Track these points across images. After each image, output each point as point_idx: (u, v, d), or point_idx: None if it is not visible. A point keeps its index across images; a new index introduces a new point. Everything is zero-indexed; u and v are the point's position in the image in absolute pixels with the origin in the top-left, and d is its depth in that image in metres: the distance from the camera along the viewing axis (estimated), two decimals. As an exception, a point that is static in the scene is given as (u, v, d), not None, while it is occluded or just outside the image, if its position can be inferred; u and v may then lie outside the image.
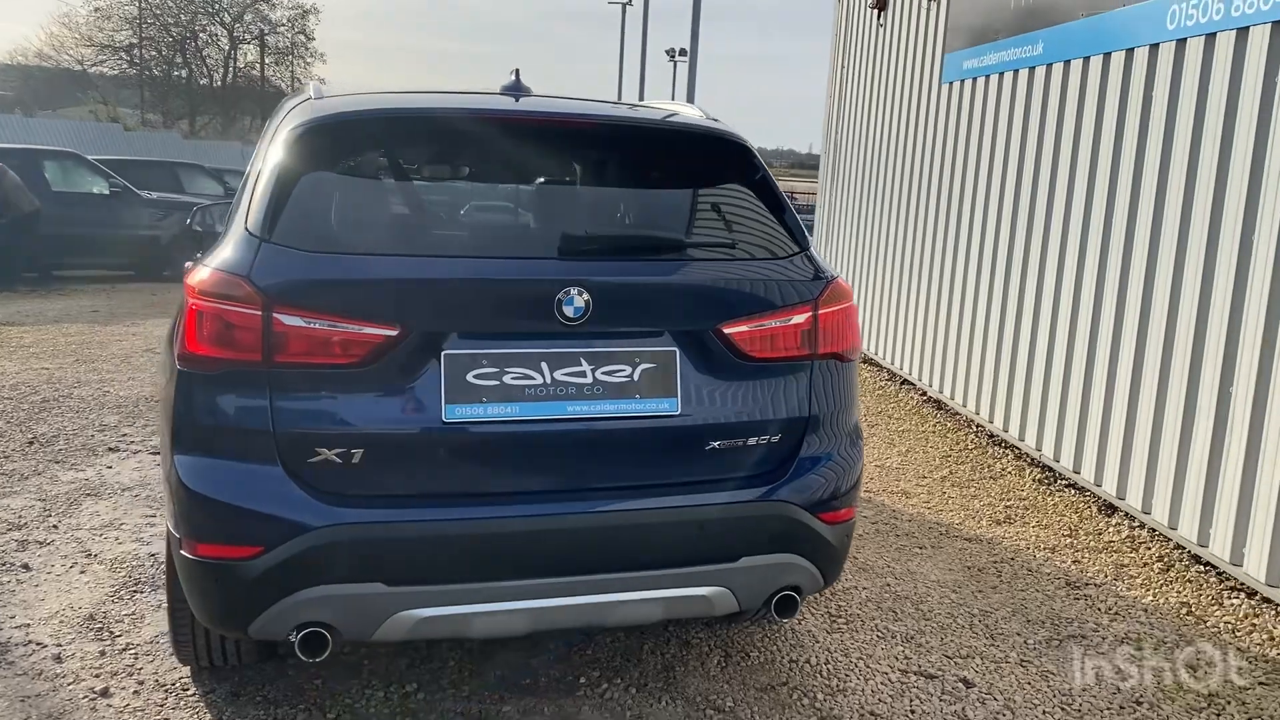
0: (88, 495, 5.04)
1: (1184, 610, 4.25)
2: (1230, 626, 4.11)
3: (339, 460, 2.67)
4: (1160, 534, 4.97)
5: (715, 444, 2.92)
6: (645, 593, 2.82)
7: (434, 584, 2.68)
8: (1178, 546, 4.83)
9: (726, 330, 2.89)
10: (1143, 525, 5.11)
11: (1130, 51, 5.42)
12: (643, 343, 2.83)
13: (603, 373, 2.79)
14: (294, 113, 3.03)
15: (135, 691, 3.27)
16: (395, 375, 2.68)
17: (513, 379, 2.73)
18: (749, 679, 3.47)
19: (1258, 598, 4.31)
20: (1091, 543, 5.02)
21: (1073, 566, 4.71)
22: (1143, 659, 3.79)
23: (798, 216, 3.12)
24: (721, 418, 2.90)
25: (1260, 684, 3.64)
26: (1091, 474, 5.54)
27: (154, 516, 4.78)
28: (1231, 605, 4.29)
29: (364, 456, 2.68)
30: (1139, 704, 3.45)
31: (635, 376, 2.81)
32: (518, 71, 3.35)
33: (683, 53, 54.35)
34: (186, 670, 3.37)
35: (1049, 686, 3.54)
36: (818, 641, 3.78)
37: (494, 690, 3.32)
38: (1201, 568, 4.63)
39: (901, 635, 3.88)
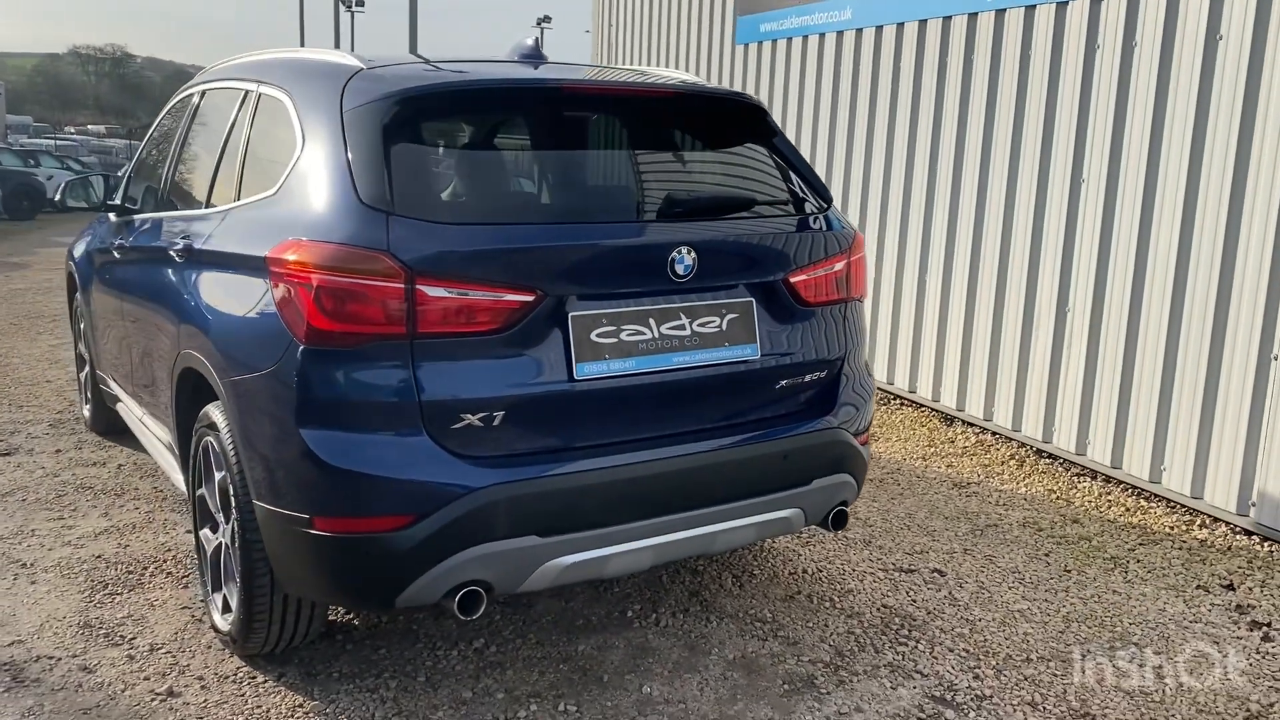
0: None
1: (1053, 495, 5.08)
2: (1094, 504, 4.98)
3: (481, 424, 2.77)
4: (1004, 436, 5.83)
5: (786, 382, 3.26)
6: (744, 519, 3.12)
7: (578, 531, 2.84)
8: (1023, 445, 5.70)
9: (792, 280, 3.22)
10: (985, 430, 5.96)
11: (948, 19, 6.16)
12: (728, 295, 3.10)
13: (698, 325, 3.04)
14: (359, 83, 3.00)
15: (204, 686, 3.17)
16: (529, 339, 2.80)
17: (628, 335, 2.92)
18: (769, 592, 3.86)
19: (1101, 478, 5.22)
20: (952, 449, 5.81)
21: (949, 470, 5.46)
22: (1051, 536, 4.54)
23: None
24: (790, 359, 3.24)
25: (1141, 545, 4.48)
26: (929, 391, 6.35)
27: (64, 520, 4.45)
28: (1085, 488, 5.17)
29: (504, 418, 2.79)
30: (1068, 572, 4.17)
31: (724, 326, 3.09)
32: (538, 40, 3.46)
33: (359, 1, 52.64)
34: (238, 660, 3.30)
35: (998, 567, 4.19)
36: (800, 555, 4.23)
37: (559, 634, 3.50)
38: (1048, 460, 5.51)
39: (861, 541, 4.41)
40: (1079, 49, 5.26)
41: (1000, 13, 5.75)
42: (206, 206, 3.65)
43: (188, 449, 3.55)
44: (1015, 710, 3.14)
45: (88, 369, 5.72)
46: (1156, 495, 4.99)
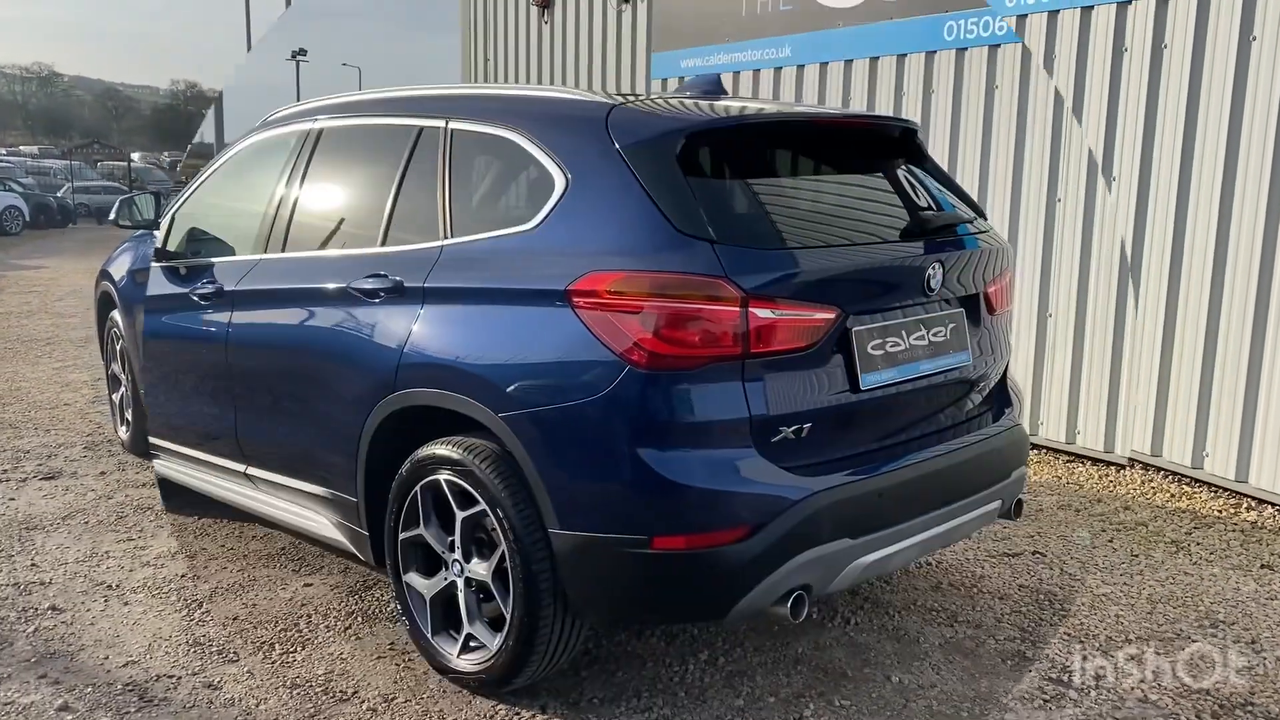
0: (28, 529, 4.28)
1: (1097, 484, 5.66)
2: (1139, 490, 5.60)
3: (793, 436, 2.94)
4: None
5: (984, 385, 3.60)
6: (975, 511, 3.42)
7: (877, 531, 3.06)
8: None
9: (988, 290, 3.57)
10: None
11: (902, 57, 6.75)
12: (948, 306, 3.41)
13: (933, 335, 3.33)
14: (624, 119, 3.10)
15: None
16: (824, 355, 3.00)
17: (890, 347, 3.17)
18: (916, 585, 4.16)
19: (1139, 465, 5.87)
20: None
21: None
22: (1110, 523, 5.09)
23: None
24: (987, 363, 3.58)
25: (1196, 529, 5.10)
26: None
27: (134, 541, 4.23)
28: (1125, 476, 5.80)
29: (810, 430, 2.98)
30: (1135, 556, 4.71)
31: (948, 335, 3.39)
32: (719, 76, 3.67)
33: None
34: (484, 699, 3.28)
35: (1075, 551, 4.68)
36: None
37: (767, 639, 3.66)
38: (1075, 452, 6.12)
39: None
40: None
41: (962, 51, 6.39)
42: (383, 245, 3.59)
43: (378, 497, 3.49)
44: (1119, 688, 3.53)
45: (124, 390, 5.43)
46: (1199, 480, 5.48)
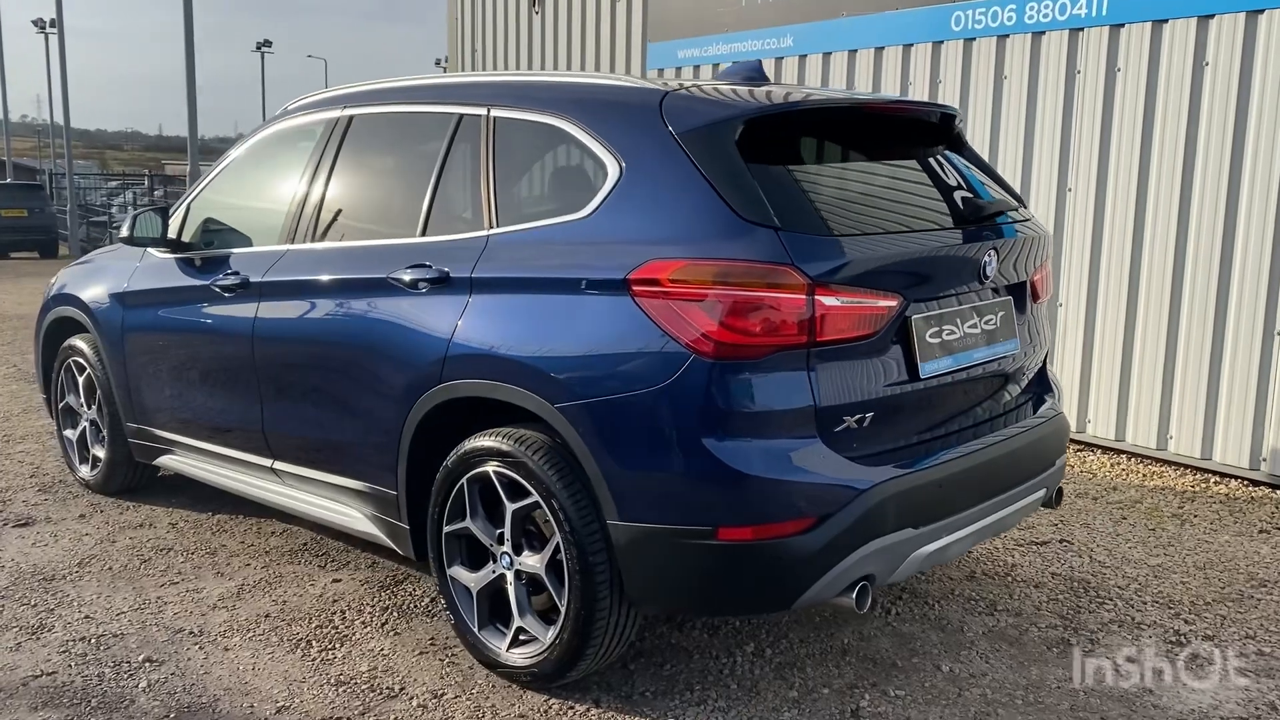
0: (46, 580, 4.12)
1: (1075, 469, 5.70)
2: (1115, 474, 5.64)
3: (856, 425, 2.92)
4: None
5: (1030, 373, 3.59)
6: (1023, 500, 3.41)
7: (938, 520, 3.04)
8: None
9: (1034, 279, 3.56)
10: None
11: (908, 47, 6.74)
12: (998, 294, 3.39)
13: (984, 323, 3.32)
14: (679, 106, 3.06)
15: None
16: (885, 343, 2.97)
17: (947, 335, 3.16)
18: (952, 574, 4.16)
19: (1101, 450, 5.90)
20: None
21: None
22: (1109, 504, 5.13)
23: None
24: (1031, 352, 3.58)
25: (1185, 503, 5.15)
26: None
27: (180, 585, 4.09)
28: (1094, 460, 5.83)
29: (872, 419, 2.95)
30: (1153, 531, 4.75)
31: (998, 323, 3.38)
32: (759, 62, 3.63)
33: (52, 24, 48.29)
34: (537, 695, 3.22)
35: (1102, 533, 4.70)
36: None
37: (810, 631, 3.64)
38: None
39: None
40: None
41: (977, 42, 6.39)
42: (423, 234, 3.52)
43: (419, 490, 3.44)
44: (1240, 641, 3.59)
45: (84, 426, 5.20)
46: (1163, 460, 5.70)
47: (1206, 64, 5.32)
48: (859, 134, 3.37)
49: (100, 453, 5.14)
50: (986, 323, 3.31)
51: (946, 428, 3.20)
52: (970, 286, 3.22)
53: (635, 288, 2.87)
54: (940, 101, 3.66)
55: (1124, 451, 5.87)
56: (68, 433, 5.36)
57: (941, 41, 6.53)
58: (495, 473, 3.18)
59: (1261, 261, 5.19)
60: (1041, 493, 3.52)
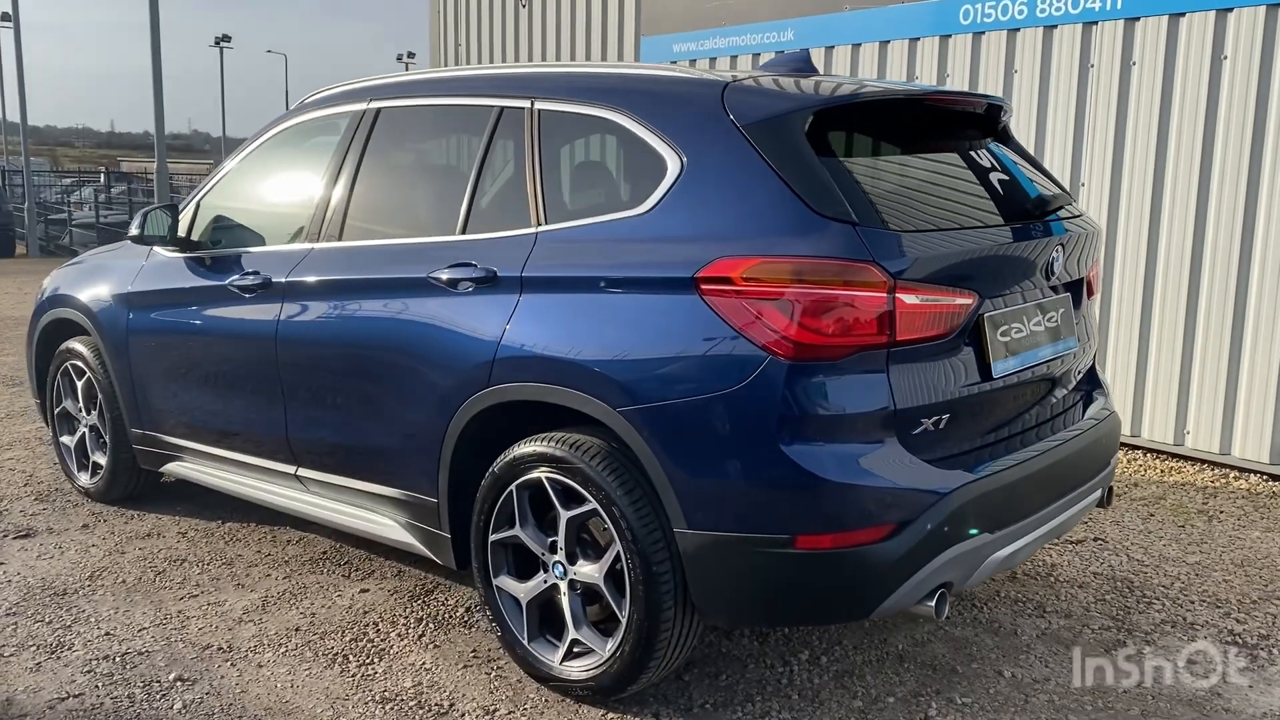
0: (57, 595, 3.95)
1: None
2: (1136, 470, 5.61)
3: (932, 428, 2.83)
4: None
5: (1085, 371, 3.53)
6: (1084, 500, 3.33)
7: (1011, 524, 2.96)
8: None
9: (1089, 275, 3.49)
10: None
11: (914, 41, 6.68)
12: (1058, 292, 3.32)
13: (1047, 321, 3.24)
14: (742, 99, 2.95)
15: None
16: (959, 342, 2.89)
17: (1014, 333, 3.07)
18: (994, 578, 4.08)
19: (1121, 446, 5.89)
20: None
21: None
22: (1135, 500, 5.09)
23: None
24: (1086, 350, 3.51)
25: (1209, 498, 5.13)
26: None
27: (201, 599, 3.93)
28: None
29: (947, 421, 2.87)
30: (1182, 528, 4.72)
31: (1059, 321, 3.31)
32: (808, 53, 3.53)
33: (5, 17, 47.18)
34: (592, 709, 3.11)
35: (1133, 531, 4.66)
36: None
37: (861, 638, 3.56)
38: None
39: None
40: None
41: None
42: (462, 232, 3.39)
43: (462, 496, 3.33)
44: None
45: (83, 432, 5.01)
46: (1179, 456, 5.68)
47: (1225, 58, 5.29)
48: (918, 127, 3.28)
49: (101, 460, 4.94)
50: (1049, 320, 3.24)
51: (1012, 429, 3.12)
52: (1036, 283, 3.14)
53: (704, 286, 2.76)
54: (990, 93, 3.58)
55: (1140, 447, 5.85)
56: (65, 439, 5.15)
57: (949, 35, 6.47)
58: (548, 479, 3.07)
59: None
60: (1099, 493, 3.46)
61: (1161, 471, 5.58)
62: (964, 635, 3.58)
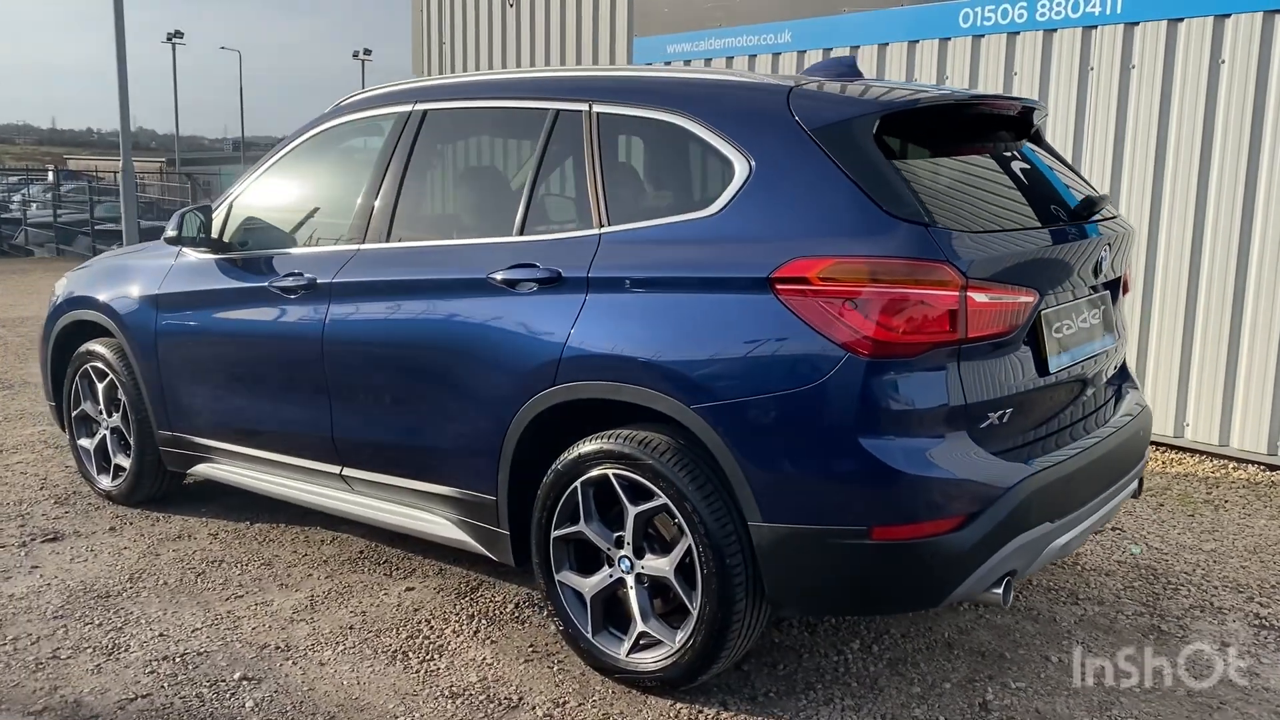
0: (100, 598, 3.94)
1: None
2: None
3: (997, 421, 2.94)
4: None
5: (1119, 368, 3.66)
6: (1124, 492, 3.46)
7: (1069, 513, 3.08)
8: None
9: (1125, 275, 3.62)
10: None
11: (914, 43, 6.81)
12: (1098, 290, 3.45)
13: (1091, 318, 3.36)
14: (808, 102, 3.04)
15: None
16: (1022, 338, 3.00)
17: (1065, 330, 3.19)
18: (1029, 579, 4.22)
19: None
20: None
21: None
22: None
23: None
24: (1120, 347, 3.64)
25: (1213, 488, 5.30)
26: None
27: (248, 599, 3.95)
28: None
29: (1011, 414, 2.98)
30: (1192, 517, 4.88)
31: (1100, 319, 3.43)
32: (854, 59, 3.63)
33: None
34: (661, 699, 3.18)
35: (1146, 520, 4.82)
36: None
37: (906, 626, 3.66)
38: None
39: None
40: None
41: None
42: (520, 234, 3.44)
43: (520, 494, 3.39)
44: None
45: (103, 434, 4.99)
46: (1179, 448, 5.86)
47: (1223, 62, 5.47)
48: (968, 130, 3.38)
49: (124, 462, 4.92)
50: (1093, 317, 3.36)
51: (1062, 422, 3.24)
52: (1085, 281, 3.26)
53: (779, 286, 2.84)
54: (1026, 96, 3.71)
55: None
56: (84, 442, 5.12)
57: (949, 38, 6.61)
58: (615, 475, 3.13)
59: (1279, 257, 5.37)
60: (1135, 483, 3.59)
61: (1163, 463, 5.75)
62: (1005, 622, 3.70)
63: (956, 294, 2.75)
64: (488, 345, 3.39)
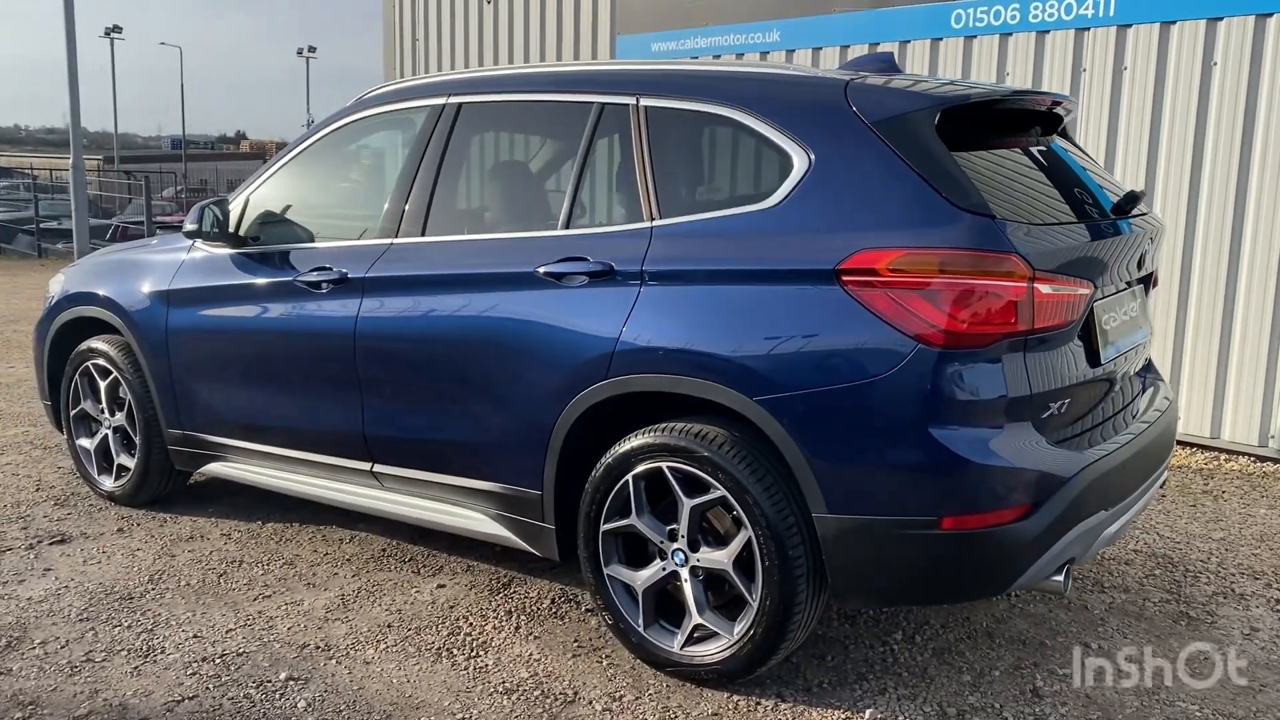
0: (122, 599, 3.85)
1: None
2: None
3: (1058, 411, 2.99)
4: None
5: (1148, 361, 3.74)
6: (1158, 482, 3.54)
7: (1119, 502, 3.14)
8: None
9: (1156, 270, 3.70)
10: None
11: (904, 43, 6.90)
12: (1131, 284, 3.52)
13: (1130, 311, 3.43)
14: (867, 96, 3.06)
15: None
16: (1077, 330, 3.05)
17: (1110, 322, 3.26)
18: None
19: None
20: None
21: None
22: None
23: None
24: (1149, 341, 3.72)
25: (1209, 479, 5.44)
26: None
27: (277, 599, 3.88)
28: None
29: (1068, 404, 3.03)
30: (1194, 507, 5.00)
31: (1138, 311, 3.51)
32: (893, 55, 3.67)
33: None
34: (715, 694, 3.19)
35: (1153, 512, 4.93)
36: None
37: (944, 616, 3.71)
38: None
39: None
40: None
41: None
42: (566, 227, 3.42)
43: (567, 491, 3.39)
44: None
45: (105, 433, 4.87)
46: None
47: (1215, 64, 5.61)
48: (1012, 126, 3.42)
49: (128, 462, 4.80)
50: (1132, 310, 3.43)
51: (1106, 412, 3.30)
52: (1129, 275, 3.33)
53: (845, 278, 2.86)
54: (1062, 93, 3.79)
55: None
56: (83, 442, 4.99)
57: (940, 39, 6.70)
58: (670, 468, 3.13)
59: (1270, 255, 5.52)
60: (1163, 477, 3.66)
61: (1156, 456, 5.88)
62: (1039, 611, 3.76)
63: (1025, 285, 2.79)
64: (535, 339, 3.37)
